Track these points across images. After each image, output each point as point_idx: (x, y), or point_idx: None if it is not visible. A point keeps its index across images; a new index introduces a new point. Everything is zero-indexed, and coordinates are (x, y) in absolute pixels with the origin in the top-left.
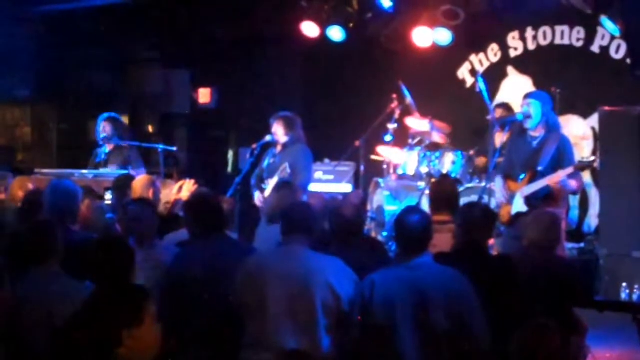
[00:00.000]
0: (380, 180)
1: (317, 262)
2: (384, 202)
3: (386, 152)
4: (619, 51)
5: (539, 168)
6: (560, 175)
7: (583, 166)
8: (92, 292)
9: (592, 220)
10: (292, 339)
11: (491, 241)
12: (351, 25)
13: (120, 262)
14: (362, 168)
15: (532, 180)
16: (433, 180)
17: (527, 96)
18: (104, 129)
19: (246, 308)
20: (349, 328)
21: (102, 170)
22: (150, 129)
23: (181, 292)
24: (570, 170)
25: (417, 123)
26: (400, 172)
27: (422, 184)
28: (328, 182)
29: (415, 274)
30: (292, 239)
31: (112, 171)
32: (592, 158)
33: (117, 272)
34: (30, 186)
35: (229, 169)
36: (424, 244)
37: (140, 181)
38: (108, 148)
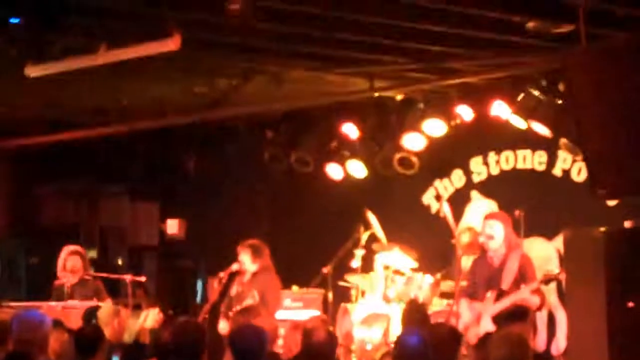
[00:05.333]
0: (348, 305)
1: None
2: (353, 328)
3: (354, 279)
4: (580, 174)
5: (503, 287)
6: (525, 291)
7: (549, 278)
8: None
9: (560, 342)
10: None
11: None
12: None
13: None
14: (330, 294)
15: (497, 299)
16: (404, 304)
17: (488, 217)
18: (73, 263)
19: None
20: None
21: (70, 302)
22: (120, 261)
23: None
24: (535, 284)
25: (383, 249)
26: (368, 297)
27: (390, 309)
28: (297, 309)
29: None
30: None
31: (80, 302)
32: (557, 270)
33: None
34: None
35: (198, 299)
36: None
37: (104, 311)
38: (72, 281)
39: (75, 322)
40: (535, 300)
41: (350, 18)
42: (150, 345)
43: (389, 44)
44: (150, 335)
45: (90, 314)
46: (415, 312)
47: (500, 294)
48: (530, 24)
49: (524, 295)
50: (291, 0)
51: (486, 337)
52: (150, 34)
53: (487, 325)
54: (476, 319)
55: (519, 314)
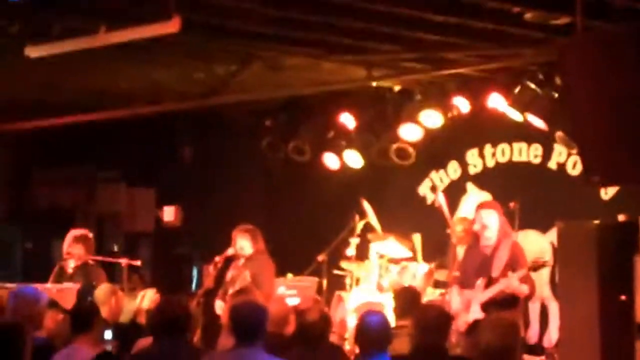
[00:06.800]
0: (342, 293)
1: None
2: (347, 315)
3: (348, 267)
4: (575, 167)
5: (493, 274)
6: (514, 278)
7: (537, 265)
8: None
9: (553, 334)
10: None
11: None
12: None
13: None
14: (325, 282)
15: (486, 287)
16: (396, 288)
17: (483, 206)
18: (73, 250)
19: None
20: None
21: (65, 284)
22: (115, 247)
23: None
24: (524, 271)
25: (378, 238)
26: (362, 286)
27: (384, 298)
28: (291, 296)
29: None
30: (244, 342)
31: (74, 285)
32: (547, 258)
33: None
34: None
35: (194, 285)
36: (383, 344)
37: (102, 290)
38: (74, 263)
39: (70, 303)
40: (523, 289)
41: (349, 5)
42: (146, 324)
43: (387, 32)
44: (146, 316)
45: (86, 292)
46: (407, 297)
47: (490, 282)
48: (528, 15)
49: (513, 282)
50: None
51: (475, 325)
52: (150, 16)
53: (476, 313)
54: (465, 307)
55: (508, 302)
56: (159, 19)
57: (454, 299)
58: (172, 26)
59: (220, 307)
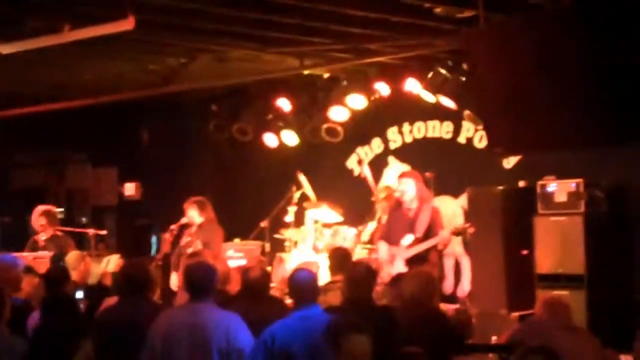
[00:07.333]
0: (283, 255)
1: (217, 317)
2: (287, 274)
3: (288, 232)
4: (481, 141)
5: (416, 235)
6: (438, 239)
7: (458, 231)
8: None
9: (465, 285)
10: None
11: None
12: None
13: None
14: (267, 245)
15: (410, 245)
16: (330, 249)
17: (401, 175)
18: (39, 223)
19: (155, 353)
20: None
21: (39, 252)
22: (84, 219)
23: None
24: (447, 234)
25: (313, 205)
26: (300, 248)
27: (319, 258)
28: (238, 258)
29: (307, 324)
30: (197, 298)
31: (48, 253)
32: (467, 225)
33: None
34: None
35: (153, 251)
36: (311, 296)
37: (72, 256)
38: (45, 236)
39: (44, 269)
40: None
41: (283, 3)
42: (112, 286)
43: (317, 27)
44: (112, 278)
45: (57, 258)
46: (339, 256)
47: (413, 241)
48: (438, 9)
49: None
50: None
51: (398, 277)
52: (109, 16)
53: (400, 267)
54: (390, 260)
55: (426, 259)
56: (116, 18)
57: (382, 250)
58: (127, 24)
59: (175, 280)
